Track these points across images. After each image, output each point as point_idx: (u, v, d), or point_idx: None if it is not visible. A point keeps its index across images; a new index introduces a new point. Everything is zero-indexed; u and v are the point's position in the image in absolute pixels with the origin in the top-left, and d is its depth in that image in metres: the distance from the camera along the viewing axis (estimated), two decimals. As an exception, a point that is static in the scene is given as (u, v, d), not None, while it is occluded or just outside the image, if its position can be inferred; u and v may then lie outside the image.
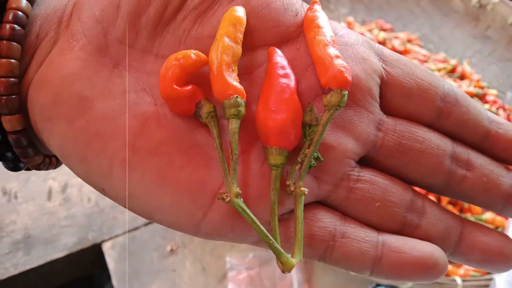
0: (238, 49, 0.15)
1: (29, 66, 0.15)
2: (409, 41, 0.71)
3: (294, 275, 0.46)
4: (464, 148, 0.17)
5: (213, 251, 0.47)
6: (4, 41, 0.14)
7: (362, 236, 0.16)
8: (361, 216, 0.16)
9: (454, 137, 0.17)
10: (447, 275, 0.44)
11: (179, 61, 0.14)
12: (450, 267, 0.45)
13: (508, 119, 0.63)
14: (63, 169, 0.54)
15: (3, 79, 0.14)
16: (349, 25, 0.67)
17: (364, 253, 0.15)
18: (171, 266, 0.46)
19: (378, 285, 0.44)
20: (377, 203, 0.16)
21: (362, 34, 0.65)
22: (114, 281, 0.44)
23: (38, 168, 0.17)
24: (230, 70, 0.15)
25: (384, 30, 0.71)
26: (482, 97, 0.64)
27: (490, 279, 0.41)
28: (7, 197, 0.50)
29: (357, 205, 0.16)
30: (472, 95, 0.62)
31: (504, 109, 0.64)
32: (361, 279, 0.47)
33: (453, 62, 0.68)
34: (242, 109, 0.14)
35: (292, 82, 0.15)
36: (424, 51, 0.69)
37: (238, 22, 0.15)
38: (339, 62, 0.15)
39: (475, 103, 0.17)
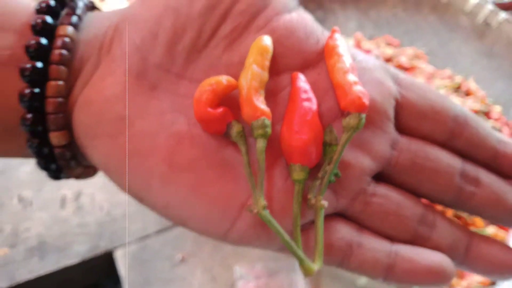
0: (265, 75, 0.16)
1: (74, 87, 0.17)
2: (416, 56, 0.72)
3: (302, 285, 0.47)
4: (473, 167, 0.18)
5: (222, 261, 0.48)
6: (54, 65, 0.16)
7: (376, 246, 0.17)
8: (376, 227, 0.17)
9: (465, 156, 0.19)
10: (450, 286, 0.45)
11: (212, 86, 0.16)
12: (454, 280, 0.46)
13: (513, 136, 0.64)
14: (78, 178, 0.55)
15: (51, 99, 0.16)
16: (357, 41, 0.68)
17: (378, 262, 0.17)
18: (181, 275, 0.47)
19: (384, 298, 0.45)
20: (391, 216, 0.17)
21: (369, 50, 0.66)
22: (125, 288, 0.46)
23: (78, 177, 0.19)
24: (258, 94, 0.16)
25: (392, 45, 0.73)
26: (487, 114, 0.65)
27: (494, 293, 0.42)
28: (22, 204, 0.52)
29: (372, 218, 0.17)
30: (477, 112, 0.63)
31: (509, 126, 0.65)
32: (367, 291, 0.48)
33: (458, 79, 0.69)
34: (269, 130, 0.16)
35: (313, 105, 0.17)
36: (430, 67, 0.71)
37: (265, 51, 0.16)
38: (357, 88, 0.16)
39: (484, 124, 0.19)
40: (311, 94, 0.17)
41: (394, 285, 0.42)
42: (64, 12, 0.17)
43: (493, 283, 0.46)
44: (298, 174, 0.16)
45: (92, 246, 0.48)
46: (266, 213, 0.15)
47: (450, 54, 0.76)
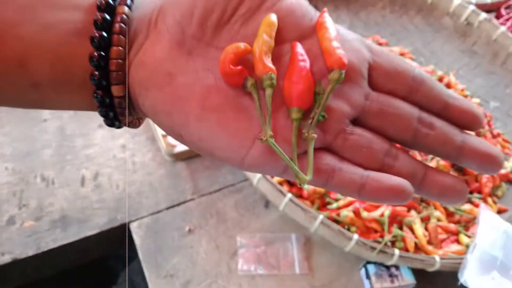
0: (272, 42, 0.21)
1: (129, 52, 0.22)
2: (402, 54, 0.78)
3: (296, 254, 0.53)
4: (428, 115, 0.22)
5: (225, 232, 0.54)
6: (115, 35, 0.21)
7: (353, 170, 0.21)
8: (352, 158, 0.22)
9: (421, 107, 0.23)
10: (427, 254, 0.51)
11: (233, 50, 0.20)
12: (431, 248, 0.51)
13: (489, 125, 0.70)
14: (95, 160, 0.61)
15: (114, 61, 0.21)
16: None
17: (354, 181, 0.21)
18: (189, 244, 0.53)
19: (368, 262, 0.51)
20: (364, 149, 0.21)
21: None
22: (140, 255, 0.51)
23: (128, 125, 0.23)
24: (267, 56, 0.21)
25: (380, 44, 0.79)
26: (465, 105, 0.71)
27: (462, 258, 0.48)
28: (45, 182, 0.57)
29: (350, 150, 0.21)
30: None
31: (486, 116, 0.71)
32: (353, 258, 0.53)
33: (439, 73, 0.75)
34: (274, 81, 0.21)
35: (307, 64, 0.21)
36: (415, 64, 0.77)
37: (272, 24, 0.21)
38: (339, 51, 0.21)
39: (438, 83, 0.23)
40: (305, 57, 0.21)
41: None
42: None
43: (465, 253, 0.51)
44: (296, 114, 0.21)
45: (109, 219, 0.54)
46: (272, 140, 0.20)
47: (434, 53, 0.82)
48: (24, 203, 0.55)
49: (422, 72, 0.23)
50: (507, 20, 0.96)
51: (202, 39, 0.22)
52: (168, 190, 0.58)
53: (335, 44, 0.22)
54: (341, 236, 0.47)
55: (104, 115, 0.22)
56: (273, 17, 0.22)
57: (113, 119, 0.22)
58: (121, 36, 0.21)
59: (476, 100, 0.74)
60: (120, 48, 0.21)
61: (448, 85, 0.74)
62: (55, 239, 0.52)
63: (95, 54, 0.20)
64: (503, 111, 0.74)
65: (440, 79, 0.74)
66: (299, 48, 0.22)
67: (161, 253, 0.51)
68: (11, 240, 0.51)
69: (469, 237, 0.54)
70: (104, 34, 0.21)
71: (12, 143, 0.62)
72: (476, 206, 0.58)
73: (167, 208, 0.56)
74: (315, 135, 0.21)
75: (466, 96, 0.73)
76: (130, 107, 0.23)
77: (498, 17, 0.99)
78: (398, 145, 0.23)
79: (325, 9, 0.24)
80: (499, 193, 0.62)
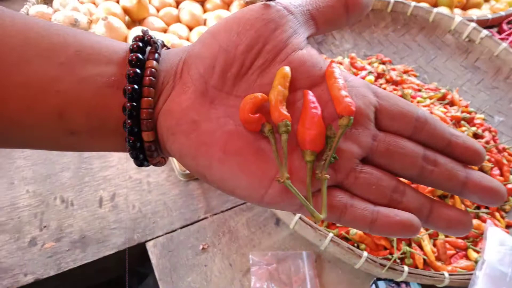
0: (286, 92, 0.23)
1: (158, 102, 0.24)
2: (405, 72, 0.80)
3: (307, 271, 0.54)
4: (432, 152, 0.24)
5: (238, 250, 0.56)
6: (146, 87, 0.23)
7: (363, 206, 0.23)
8: (363, 194, 0.23)
9: (426, 145, 0.25)
10: (436, 270, 0.52)
11: (252, 100, 0.23)
12: (440, 264, 0.52)
13: (494, 141, 0.71)
14: (112, 181, 0.64)
15: (145, 110, 0.23)
16: (352, 60, 0.76)
17: (365, 217, 0.23)
18: (203, 262, 0.54)
19: (378, 279, 0.52)
20: (373, 186, 0.23)
21: (363, 67, 0.74)
22: (156, 273, 0.53)
23: (155, 165, 0.25)
24: (282, 104, 0.23)
25: (384, 62, 0.81)
26: (470, 121, 0.72)
27: (471, 274, 0.49)
28: (65, 204, 0.60)
29: (360, 187, 0.23)
30: (460, 119, 0.71)
31: (490, 131, 0.72)
32: (364, 274, 0.54)
33: (443, 90, 0.77)
34: (289, 127, 0.23)
35: (319, 111, 0.24)
36: (418, 81, 0.78)
37: (286, 76, 0.24)
38: (347, 100, 0.23)
39: (441, 123, 0.25)
40: (317, 104, 0.23)
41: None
42: (148, 49, 0.24)
43: (473, 268, 0.52)
44: (309, 156, 0.22)
45: (127, 238, 0.56)
46: (289, 182, 0.22)
47: (437, 69, 0.84)
48: (45, 225, 0.57)
49: (426, 112, 0.25)
50: (509, 35, 0.98)
51: (223, 89, 0.24)
52: (181, 209, 0.60)
53: (343, 93, 0.24)
54: (351, 254, 0.49)
55: (135, 157, 0.24)
56: (287, 69, 0.24)
57: (143, 160, 0.24)
58: (151, 88, 0.23)
59: (480, 115, 0.75)
60: (150, 99, 0.23)
61: (452, 102, 0.75)
62: (75, 260, 0.54)
63: (128, 105, 0.22)
64: (508, 126, 0.76)
65: (444, 96, 0.76)
66: (311, 96, 0.24)
67: (176, 271, 0.53)
68: (33, 261, 0.53)
69: (477, 252, 0.55)
70: (136, 86, 0.23)
71: (32, 166, 0.64)
72: (484, 221, 0.59)
73: (181, 227, 0.57)
74: (327, 176, 0.23)
75: (470, 113, 0.74)
76: (158, 149, 0.25)
77: (500, 32, 1.01)
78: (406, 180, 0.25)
79: (334, 60, 0.26)
80: (506, 207, 0.63)
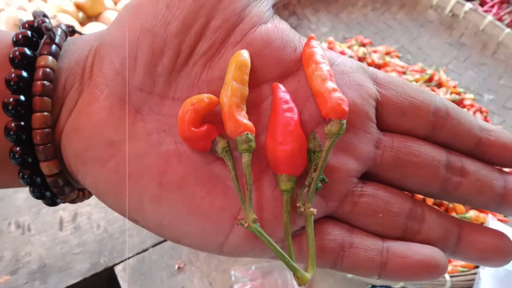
0: (245, 89, 0.17)
1: (60, 116, 0.17)
2: (388, 53, 0.75)
3: (296, 283, 0.49)
4: (458, 157, 0.18)
5: (218, 266, 0.50)
6: (37, 97, 0.16)
7: (368, 245, 0.17)
8: (366, 226, 0.17)
9: (449, 147, 0.18)
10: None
11: (194, 105, 0.16)
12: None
13: (486, 121, 0.67)
14: (73, 199, 0.56)
15: (39, 131, 0.16)
16: (330, 44, 0.71)
17: (371, 260, 0.17)
18: (180, 284, 0.49)
19: (373, 286, 0.48)
20: (380, 214, 0.17)
21: (342, 52, 0.69)
22: (127, 301, 0.47)
23: (73, 202, 0.19)
24: (240, 109, 0.16)
25: (364, 44, 0.75)
26: (459, 103, 0.68)
27: (475, 273, 0.45)
28: (21, 230, 0.53)
29: (362, 217, 0.17)
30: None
31: (481, 112, 0.68)
32: (357, 282, 0.50)
33: (429, 71, 0.72)
34: (253, 144, 0.16)
35: (295, 115, 0.17)
36: (402, 63, 0.73)
37: (243, 66, 0.16)
38: (336, 95, 0.16)
39: (466, 114, 0.19)
40: (292, 104, 0.17)
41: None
42: (42, 41, 0.17)
43: (477, 266, 0.48)
44: (285, 184, 0.16)
45: (92, 263, 0.50)
46: (257, 226, 0.16)
47: (421, 48, 0.79)
48: (-2, 256, 0.51)
49: (445, 100, 0.19)
50: (492, 6, 0.93)
51: (153, 90, 0.17)
52: (153, 225, 0.54)
53: (329, 85, 0.17)
54: (342, 263, 0.44)
55: (39, 197, 0.17)
56: (244, 55, 0.17)
57: (52, 198, 0.18)
58: (45, 98, 0.16)
59: (470, 95, 0.71)
60: (44, 113, 0.16)
61: (440, 83, 0.71)
62: (34, 293, 0.48)
63: (12, 125, 0.16)
64: (499, 104, 0.72)
65: (431, 78, 0.71)
66: (282, 92, 0.17)
67: (151, 297, 0.48)
68: (-15, 299, 0.47)
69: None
70: (22, 97, 0.16)
71: (-18, 189, 0.57)
72: (482, 211, 0.55)
73: (153, 246, 0.52)
74: (314, 210, 0.16)
75: (459, 94, 0.70)
76: (71, 182, 0.18)
77: (482, 4, 0.96)
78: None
79: (312, 35, 0.19)
80: (503, 193, 0.59)
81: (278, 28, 0.18)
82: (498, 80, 0.74)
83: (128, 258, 0.51)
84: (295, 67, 0.18)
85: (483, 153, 0.19)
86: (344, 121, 0.16)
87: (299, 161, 0.17)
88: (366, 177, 0.18)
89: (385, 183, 0.18)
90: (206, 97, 0.16)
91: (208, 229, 0.16)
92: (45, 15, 0.18)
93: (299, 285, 0.16)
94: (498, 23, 0.75)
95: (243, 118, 0.16)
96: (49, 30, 0.17)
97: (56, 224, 0.54)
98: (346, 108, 0.16)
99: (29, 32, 0.17)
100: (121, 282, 0.48)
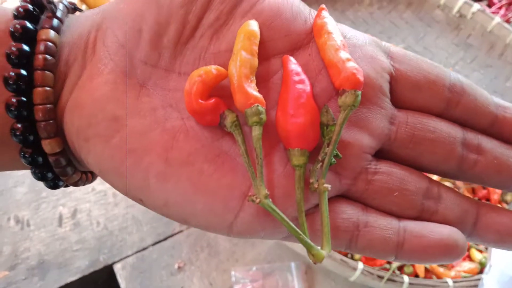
0: (255, 60, 0.16)
1: (62, 91, 0.16)
2: (394, 53, 0.74)
3: (296, 285, 0.49)
4: (474, 134, 0.18)
5: (218, 266, 0.50)
6: (39, 71, 0.15)
7: (384, 224, 0.16)
8: (381, 206, 0.17)
9: (464, 124, 0.18)
10: (439, 277, 0.47)
11: (202, 77, 0.15)
12: (441, 269, 0.48)
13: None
14: (72, 195, 0.56)
15: (40, 106, 0.15)
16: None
17: (387, 240, 0.16)
18: (179, 283, 0.48)
19: (375, 290, 0.47)
20: (395, 192, 0.17)
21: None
22: (126, 300, 0.47)
23: (76, 184, 0.18)
24: (249, 81, 0.16)
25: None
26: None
27: (479, 279, 0.44)
28: (20, 225, 0.53)
29: (376, 196, 0.17)
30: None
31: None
32: (360, 286, 0.49)
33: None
34: (263, 116, 0.15)
35: (307, 86, 0.16)
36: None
37: (252, 36, 0.16)
38: (350, 64, 0.16)
39: (481, 91, 0.18)
40: (303, 76, 0.16)
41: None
42: (44, 15, 0.17)
43: (480, 272, 0.48)
44: (298, 159, 0.16)
45: (91, 261, 0.50)
46: (269, 202, 0.15)
47: (427, 48, 0.78)
48: (-3, 251, 0.50)
49: (460, 76, 0.18)
50: (500, 8, 0.92)
51: (159, 64, 0.16)
52: (153, 223, 0.53)
53: (343, 55, 0.16)
54: (345, 266, 0.43)
55: (41, 178, 0.17)
56: (253, 25, 0.16)
57: (54, 180, 0.17)
58: (46, 72, 0.15)
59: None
60: (46, 88, 0.15)
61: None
62: (32, 289, 0.47)
63: (13, 100, 0.15)
64: (505, 107, 0.71)
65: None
66: (293, 64, 0.17)
67: (150, 295, 0.47)
68: (-17, 295, 0.47)
69: (481, 252, 0.50)
70: (23, 71, 0.15)
71: (-19, 183, 0.57)
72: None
73: (153, 244, 0.51)
74: (328, 186, 0.16)
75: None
76: (73, 161, 0.17)
77: (490, 5, 0.95)
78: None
79: (323, 5, 0.18)
80: (508, 198, 0.58)
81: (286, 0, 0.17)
82: (505, 82, 0.73)
83: (128, 256, 0.50)
84: (306, 40, 0.17)
85: (499, 131, 0.18)
86: (359, 92, 0.16)
87: (312, 134, 0.16)
88: (380, 155, 0.17)
89: (399, 162, 0.17)
90: (214, 68, 0.16)
91: (216, 208, 0.15)
92: None
93: (314, 262, 0.15)
94: (506, 24, 0.74)
95: (253, 90, 0.16)
96: (50, 3, 0.16)
97: (56, 220, 0.53)
98: (362, 78, 0.16)
99: (30, 6, 0.16)
100: (120, 280, 0.48)
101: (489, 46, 0.76)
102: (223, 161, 0.16)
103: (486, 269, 0.44)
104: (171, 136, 0.16)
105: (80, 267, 0.49)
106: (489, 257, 0.44)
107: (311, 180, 0.16)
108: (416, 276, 0.46)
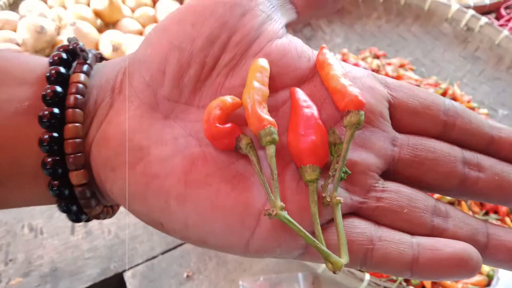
0: (266, 90, 0.18)
1: (90, 128, 0.18)
2: (402, 66, 0.75)
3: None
4: (473, 154, 0.19)
5: (226, 276, 0.50)
6: (70, 109, 0.17)
7: (398, 238, 0.17)
8: (392, 223, 0.17)
9: (462, 146, 0.19)
10: (447, 290, 0.47)
11: (219, 105, 0.17)
12: (449, 282, 0.47)
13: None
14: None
15: (70, 141, 0.17)
16: (344, 56, 0.71)
17: (402, 254, 0.16)
18: (188, 292, 0.49)
19: (382, 302, 0.47)
20: (405, 209, 0.17)
21: (356, 64, 0.69)
22: (136, 308, 0.48)
23: (98, 217, 0.19)
24: (262, 106, 0.17)
25: (378, 56, 0.75)
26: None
27: (487, 292, 0.44)
28: (34, 233, 0.54)
29: (387, 213, 0.17)
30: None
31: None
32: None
33: (443, 86, 0.72)
34: (276, 136, 0.16)
35: (315, 111, 0.18)
36: (416, 76, 0.73)
37: (263, 69, 0.18)
38: (353, 89, 0.17)
39: (475, 114, 0.19)
40: (310, 102, 0.18)
41: None
42: (76, 63, 0.19)
43: (488, 284, 0.47)
44: (310, 174, 0.16)
45: (102, 269, 0.50)
46: (285, 213, 0.15)
47: (435, 61, 0.79)
48: (11, 258, 0.52)
49: (454, 102, 0.19)
50: (508, 21, 0.92)
51: (180, 99, 0.18)
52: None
53: (345, 81, 0.18)
54: (352, 277, 0.43)
55: (65, 210, 0.18)
56: (263, 61, 0.18)
57: (78, 213, 0.18)
58: (77, 110, 0.17)
59: (483, 110, 0.70)
60: (76, 124, 0.17)
61: (454, 98, 0.70)
62: (45, 296, 0.48)
63: (46, 136, 0.17)
64: (513, 119, 0.71)
65: (445, 92, 0.70)
66: (300, 93, 0.18)
67: (159, 304, 0.48)
68: (-3, 301, 0.48)
69: (490, 265, 0.50)
70: (56, 110, 0.17)
71: (-3, 191, 0.58)
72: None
73: (163, 253, 0.52)
74: (340, 198, 0.16)
75: (473, 108, 0.69)
76: (97, 194, 0.19)
77: (498, 18, 0.95)
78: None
79: (324, 45, 0.20)
80: None
81: (292, 42, 0.19)
82: (513, 95, 0.73)
83: (137, 264, 0.51)
84: (310, 74, 0.19)
85: (496, 150, 0.19)
86: (363, 112, 0.17)
87: (322, 151, 0.17)
88: (386, 177, 0.18)
89: (405, 183, 0.18)
90: (229, 97, 0.17)
91: (233, 225, 0.16)
92: (77, 40, 0.19)
93: (334, 272, 0.16)
94: (514, 37, 0.75)
95: (265, 114, 0.17)
96: (83, 50, 0.19)
97: (68, 228, 0.54)
98: (364, 100, 0.17)
99: (63, 54, 0.18)
100: (130, 288, 0.49)
101: (497, 59, 0.76)
102: (239, 181, 0.17)
103: (493, 282, 0.44)
104: (191, 161, 0.17)
105: (92, 275, 0.50)
106: (497, 270, 0.44)
107: (323, 195, 0.17)
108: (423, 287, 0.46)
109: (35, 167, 0.17)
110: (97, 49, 0.71)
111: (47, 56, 0.75)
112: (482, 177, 0.18)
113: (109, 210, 0.20)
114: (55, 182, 0.17)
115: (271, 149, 0.16)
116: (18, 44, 0.69)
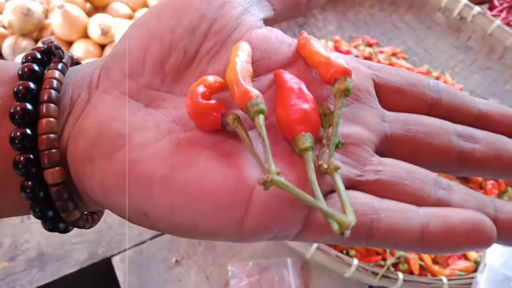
0: (250, 67, 0.17)
1: (66, 124, 0.17)
2: (394, 54, 0.74)
3: (292, 280, 0.49)
4: (464, 127, 0.18)
5: (215, 261, 0.50)
6: (44, 104, 0.16)
7: (403, 207, 0.16)
8: (394, 196, 0.16)
9: (451, 121, 0.18)
10: (434, 275, 0.47)
11: (203, 83, 0.17)
12: (436, 267, 0.48)
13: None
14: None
15: (44, 136, 0.16)
16: (336, 43, 0.70)
17: (411, 221, 0.15)
18: (176, 277, 0.49)
19: (371, 286, 0.47)
20: (406, 181, 0.16)
21: (349, 51, 0.69)
22: (124, 292, 0.47)
23: (76, 224, 0.18)
24: (247, 80, 0.17)
25: (370, 45, 0.75)
26: (464, 106, 0.67)
27: (473, 277, 0.44)
28: (20, 217, 0.53)
29: (388, 186, 0.16)
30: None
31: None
32: (355, 282, 0.50)
33: (435, 74, 0.72)
34: (264, 106, 0.16)
35: (302, 84, 0.17)
36: (408, 64, 0.73)
37: (245, 49, 0.18)
38: (339, 60, 0.18)
39: (460, 92, 0.19)
40: (297, 79, 0.18)
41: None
42: (51, 62, 0.18)
43: (475, 270, 0.48)
44: (303, 142, 0.16)
45: (90, 253, 0.50)
46: (281, 179, 0.14)
47: (427, 50, 0.78)
48: (-3, 242, 0.51)
49: (437, 81, 0.19)
50: (501, 11, 0.92)
51: (162, 87, 0.17)
52: (152, 217, 0.54)
53: (329, 54, 0.18)
54: (340, 262, 0.44)
55: (40, 216, 0.16)
56: (244, 44, 0.18)
57: (54, 219, 0.17)
58: (51, 104, 0.16)
59: (474, 99, 0.70)
60: (50, 119, 0.16)
61: (445, 86, 0.70)
62: (31, 280, 0.48)
63: (18, 133, 0.15)
64: (504, 109, 0.71)
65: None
66: (285, 73, 0.18)
67: (147, 288, 0.48)
68: (-17, 285, 0.48)
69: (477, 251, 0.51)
70: (28, 106, 0.16)
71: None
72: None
73: (151, 238, 0.52)
74: (338, 162, 0.16)
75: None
76: (74, 197, 0.17)
77: (491, 8, 0.96)
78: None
79: (303, 32, 0.20)
80: (505, 198, 0.59)
81: (272, 30, 0.20)
82: (504, 85, 0.74)
83: (126, 250, 0.51)
84: (293, 58, 0.19)
85: (485, 124, 0.19)
86: (350, 80, 0.17)
87: (314, 119, 0.17)
88: (381, 154, 0.18)
89: (401, 159, 0.18)
90: (211, 77, 0.17)
91: (224, 203, 0.15)
92: (51, 41, 0.19)
93: (341, 233, 0.14)
94: (506, 27, 0.75)
95: (251, 86, 0.16)
96: (59, 48, 0.18)
97: (56, 213, 0.54)
98: (350, 67, 0.17)
99: (38, 54, 0.18)
100: (118, 273, 0.49)
101: (489, 49, 0.76)
102: (227, 159, 0.16)
103: (480, 268, 0.44)
104: (175, 145, 0.16)
105: (79, 259, 0.50)
106: (484, 256, 0.44)
107: (320, 162, 0.16)
108: (411, 273, 0.47)
109: (7, 171, 0.16)
110: (86, 33, 0.70)
111: (35, 39, 0.74)
112: (478, 148, 0.18)
113: (88, 218, 0.19)
114: (28, 182, 0.16)
115: (260, 118, 0.16)
116: (4, 27, 0.68)
